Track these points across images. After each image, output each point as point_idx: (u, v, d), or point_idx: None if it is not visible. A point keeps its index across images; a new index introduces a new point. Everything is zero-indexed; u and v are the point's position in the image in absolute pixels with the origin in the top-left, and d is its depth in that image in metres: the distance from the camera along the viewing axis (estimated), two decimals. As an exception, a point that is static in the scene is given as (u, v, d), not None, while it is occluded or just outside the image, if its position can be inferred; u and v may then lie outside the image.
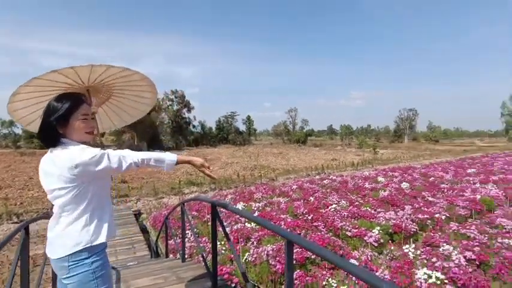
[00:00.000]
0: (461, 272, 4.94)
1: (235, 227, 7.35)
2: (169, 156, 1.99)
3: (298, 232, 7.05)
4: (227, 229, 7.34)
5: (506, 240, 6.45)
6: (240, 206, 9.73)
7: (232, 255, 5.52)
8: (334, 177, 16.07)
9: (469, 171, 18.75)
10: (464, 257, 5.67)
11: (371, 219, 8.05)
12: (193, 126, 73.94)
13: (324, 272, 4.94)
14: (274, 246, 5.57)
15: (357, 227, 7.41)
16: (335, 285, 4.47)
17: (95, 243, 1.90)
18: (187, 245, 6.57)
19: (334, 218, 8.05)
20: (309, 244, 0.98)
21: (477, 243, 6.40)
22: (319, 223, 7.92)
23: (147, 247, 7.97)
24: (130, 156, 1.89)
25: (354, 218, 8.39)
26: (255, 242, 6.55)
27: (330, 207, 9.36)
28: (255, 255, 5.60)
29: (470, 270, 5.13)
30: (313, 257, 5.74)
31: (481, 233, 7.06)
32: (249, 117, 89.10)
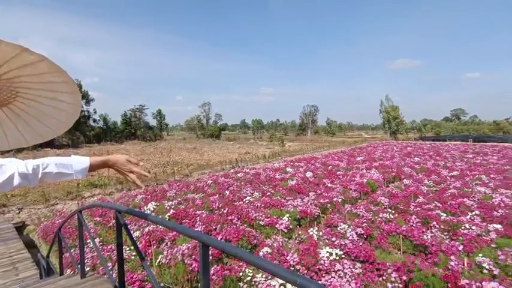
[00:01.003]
0: (354, 246, 5.79)
1: (146, 229, 6.87)
2: (79, 160, 1.49)
3: (214, 227, 7.06)
4: (137, 233, 6.81)
5: (385, 215, 7.87)
6: (151, 206, 9.15)
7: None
8: (248, 170, 16.68)
9: (358, 159, 22.12)
10: (356, 233, 6.68)
11: (281, 208, 8.66)
12: (94, 121, 65.79)
13: (241, 263, 5.08)
14: (189, 245, 5.44)
15: (269, 216, 7.86)
16: (251, 274, 4.64)
17: None
18: (89, 255, 5.83)
19: (249, 209, 8.36)
20: (224, 245, 0.96)
21: (365, 220, 7.61)
22: (234, 216, 8.10)
23: (35, 265, 6.70)
24: (11, 167, 1.31)
25: (267, 207, 8.88)
26: (169, 243, 6.27)
27: (244, 200, 9.67)
28: (169, 257, 5.36)
29: (360, 243, 6.07)
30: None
31: (368, 211, 8.42)
32: (159, 111, 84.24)
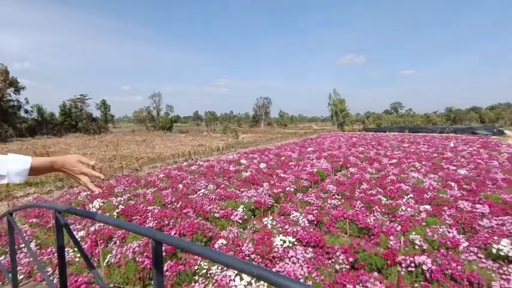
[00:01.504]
0: (306, 232, 6.08)
1: (92, 228, 6.40)
2: (16, 160, 1.20)
3: (167, 222, 6.85)
4: (82, 232, 6.32)
5: (333, 201, 8.38)
6: (97, 203, 8.53)
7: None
8: (202, 163, 16.41)
9: (308, 149, 23.14)
10: (308, 220, 7.02)
11: (236, 199, 8.71)
12: (26, 112, 58.86)
13: (196, 257, 5.02)
14: (140, 242, 5.20)
15: (224, 208, 7.86)
16: (206, 267, 4.62)
17: None
18: (25, 261, 5.27)
19: (203, 202, 8.26)
20: (177, 241, 0.93)
21: (315, 207, 8.03)
22: (189, 209, 7.94)
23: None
24: None
25: (221, 199, 8.87)
26: (118, 241, 5.93)
27: (198, 193, 9.53)
28: (118, 256, 5.07)
29: (311, 229, 6.40)
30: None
31: (318, 198, 8.88)
32: (104, 102, 78.15)
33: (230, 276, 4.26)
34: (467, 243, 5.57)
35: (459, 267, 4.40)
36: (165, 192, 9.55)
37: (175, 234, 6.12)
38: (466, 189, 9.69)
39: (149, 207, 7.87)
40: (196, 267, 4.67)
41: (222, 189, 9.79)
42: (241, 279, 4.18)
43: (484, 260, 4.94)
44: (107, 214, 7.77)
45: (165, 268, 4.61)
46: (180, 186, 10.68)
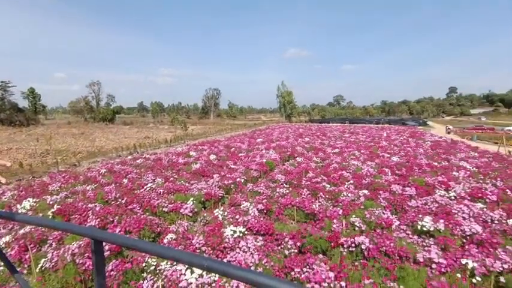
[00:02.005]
0: (256, 221, 6.22)
1: (21, 231, 5.70)
2: None
3: (111, 219, 6.42)
4: (8, 237, 5.61)
5: (281, 190, 8.69)
6: (27, 203, 7.60)
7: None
8: (148, 156, 15.64)
9: (258, 140, 23.53)
10: (258, 209, 7.18)
11: (186, 192, 8.52)
12: None
13: (144, 254, 4.81)
14: (81, 242, 4.80)
15: (172, 201, 7.63)
16: (155, 263, 4.46)
17: None
18: None
19: (151, 197, 7.91)
20: (120, 239, 0.87)
21: (265, 197, 8.24)
22: (135, 205, 7.55)
23: None
24: None
25: (170, 193, 8.59)
26: (54, 244, 5.39)
27: (145, 187, 9.09)
28: (55, 259, 4.62)
29: (261, 218, 6.56)
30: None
31: (267, 188, 9.13)
32: (32, 91, 69.50)
33: (180, 270, 4.18)
34: (398, 222, 6.26)
35: (391, 244, 4.93)
36: (107, 188, 8.91)
37: (120, 231, 5.78)
38: (398, 174, 10.83)
39: (90, 205, 7.27)
40: (144, 265, 4.48)
41: (170, 183, 9.48)
42: (192, 272, 4.14)
43: (411, 236, 5.61)
44: (40, 215, 6.99)
45: (109, 268, 4.34)
46: (125, 181, 10.06)
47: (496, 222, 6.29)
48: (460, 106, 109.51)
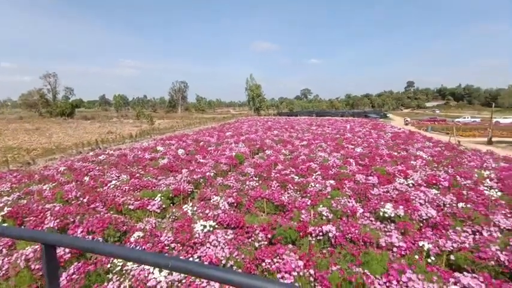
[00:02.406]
0: (226, 215, 6.19)
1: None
2: None
3: (72, 220, 6.04)
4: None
5: (251, 183, 8.73)
6: (-28, 207, 6.90)
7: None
8: (112, 152, 14.90)
9: (227, 134, 23.39)
10: (228, 202, 7.14)
11: (153, 188, 8.25)
12: None
13: (107, 254, 4.59)
14: (37, 246, 4.47)
15: (139, 198, 7.35)
16: (121, 263, 4.28)
17: None
18: None
19: (115, 194, 7.56)
20: (77, 242, 0.80)
21: (235, 190, 8.22)
22: (98, 204, 7.18)
23: None
24: None
25: (136, 190, 8.27)
26: (4, 250, 4.96)
27: (109, 185, 8.67)
28: (6, 266, 4.26)
29: (232, 212, 6.55)
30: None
31: (237, 181, 9.12)
32: (-26, 81, 62.64)
33: (149, 269, 4.05)
34: (362, 210, 6.57)
35: (356, 231, 5.16)
36: (67, 186, 8.37)
37: (82, 232, 5.46)
38: (361, 165, 11.33)
39: (47, 206, 6.78)
40: (109, 265, 4.27)
41: (136, 179, 9.12)
42: (161, 270, 4.03)
43: (374, 222, 5.91)
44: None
45: (71, 271, 4.09)
46: (86, 179, 9.51)
47: (448, 206, 6.83)
48: (417, 99, 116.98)
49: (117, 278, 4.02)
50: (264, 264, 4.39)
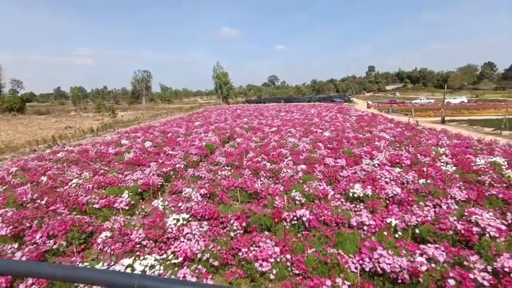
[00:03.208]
0: (199, 207, 6.05)
1: None
2: None
3: (28, 224, 5.56)
4: None
5: (223, 172, 8.61)
6: None
7: None
8: (72, 148, 13.92)
9: (196, 123, 22.85)
10: (200, 194, 6.98)
11: (119, 185, 7.83)
12: None
13: (74, 258, 4.29)
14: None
15: (105, 196, 6.95)
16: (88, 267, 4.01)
17: None
18: None
19: (78, 193, 7.07)
20: (7, 264, 0.64)
21: (207, 181, 8.06)
22: (58, 205, 6.66)
23: None
24: None
25: (101, 187, 7.81)
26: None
27: (70, 184, 8.09)
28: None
29: (205, 203, 6.41)
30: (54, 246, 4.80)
31: (209, 171, 8.94)
32: None
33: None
34: (333, 192, 6.75)
35: (329, 213, 5.29)
36: (21, 188, 7.67)
37: (41, 237, 5.04)
38: (330, 148, 11.64)
39: (-1, 211, 6.16)
40: None
41: (100, 176, 8.60)
42: (133, 270, 3.84)
43: (344, 203, 6.11)
44: None
45: None
46: (44, 179, 8.79)
47: (411, 183, 7.23)
48: (378, 83, 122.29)
49: None
50: (240, 253, 4.36)
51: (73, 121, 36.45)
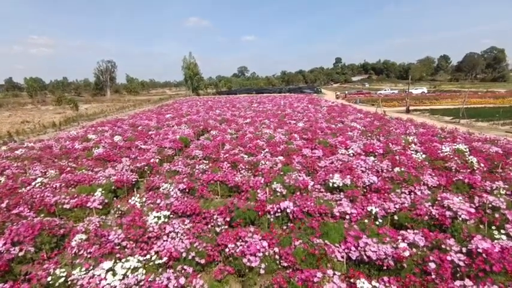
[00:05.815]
0: (180, 202, 5.85)
1: None
2: None
3: (-10, 231, 5.05)
4: None
5: (201, 166, 8.40)
6: None
7: None
8: (32, 144, 12.84)
9: (167, 116, 22.08)
10: (179, 189, 6.75)
11: (90, 182, 7.36)
12: None
13: (46, 265, 3.95)
14: None
15: (75, 195, 6.50)
16: (64, 273, 3.72)
17: None
18: None
19: (44, 194, 6.54)
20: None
21: (185, 175, 7.81)
22: (22, 207, 6.12)
23: None
24: None
25: (70, 186, 7.30)
26: None
27: (33, 183, 7.46)
28: None
29: (185, 198, 6.22)
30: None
31: (186, 165, 8.67)
32: None
33: (99, 275, 3.60)
34: (313, 183, 6.84)
35: (312, 204, 5.35)
36: (-24, 191, 6.94)
37: (5, 244, 4.59)
38: (305, 139, 11.79)
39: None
40: (50, 279, 3.67)
41: (68, 174, 8.03)
42: (115, 274, 3.62)
43: (325, 194, 6.21)
44: None
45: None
46: (1, 179, 8.04)
47: (385, 171, 7.54)
48: (344, 74, 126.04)
49: (62, 291, 3.50)
50: (227, 249, 4.28)
51: (30, 115, 33.68)
